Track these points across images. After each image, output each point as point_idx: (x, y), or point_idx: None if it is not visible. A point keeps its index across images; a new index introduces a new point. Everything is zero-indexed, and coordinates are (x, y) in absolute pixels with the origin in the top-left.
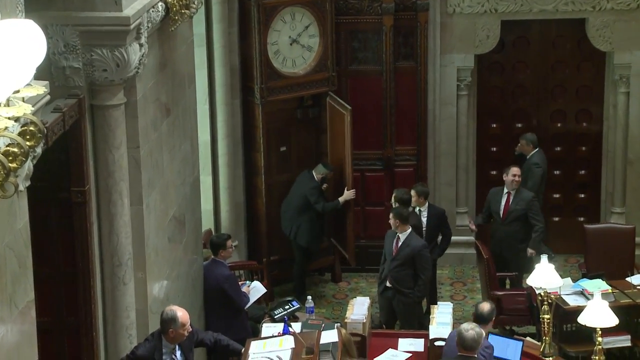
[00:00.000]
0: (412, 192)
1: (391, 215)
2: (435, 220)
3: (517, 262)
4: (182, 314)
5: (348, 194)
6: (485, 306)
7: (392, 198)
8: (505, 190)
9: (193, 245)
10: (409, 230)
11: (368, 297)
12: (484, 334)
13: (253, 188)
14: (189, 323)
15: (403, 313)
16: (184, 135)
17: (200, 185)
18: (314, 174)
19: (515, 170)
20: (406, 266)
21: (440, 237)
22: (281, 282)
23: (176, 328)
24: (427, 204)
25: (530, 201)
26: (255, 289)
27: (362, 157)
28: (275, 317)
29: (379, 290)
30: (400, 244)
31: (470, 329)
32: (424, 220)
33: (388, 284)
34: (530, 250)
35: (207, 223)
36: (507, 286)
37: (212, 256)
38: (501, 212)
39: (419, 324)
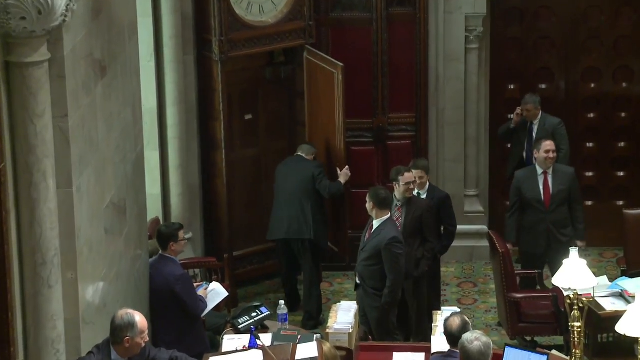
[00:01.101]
0: (414, 171)
1: (367, 196)
2: (437, 207)
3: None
4: (140, 318)
5: (345, 173)
6: (455, 322)
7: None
8: (540, 171)
9: (136, 238)
10: (387, 217)
11: (355, 302)
12: (492, 344)
13: (211, 166)
14: (147, 331)
15: (371, 319)
16: (124, 101)
17: (144, 163)
18: (303, 155)
19: (548, 144)
20: (373, 260)
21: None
22: (247, 282)
23: (134, 336)
24: (427, 185)
25: (574, 177)
26: (215, 292)
27: (347, 128)
28: (240, 326)
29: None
30: (372, 232)
31: (474, 339)
32: None
33: (357, 280)
34: (580, 243)
35: (154, 210)
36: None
37: (160, 251)
38: (543, 198)
39: (408, 335)
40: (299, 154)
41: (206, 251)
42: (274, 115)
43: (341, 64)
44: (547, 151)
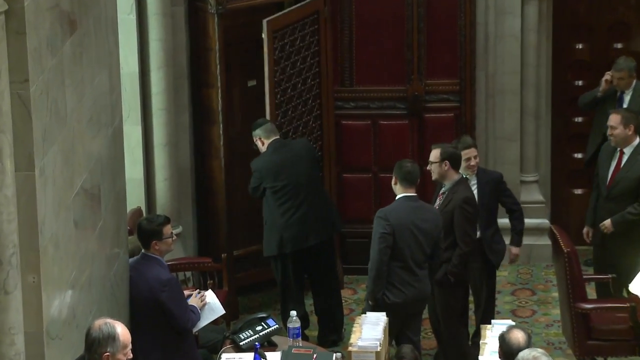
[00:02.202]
0: (465, 151)
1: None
2: (489, 191)
3: (625, 258)
4: (122, 330)
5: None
6: (518, 337)
7: (433, 156)
8: (619, 148)
9: (113, 233)
10: (410, 193)
11: (384, 314)
12: None
13: (206, 144)
14: (130, 346)
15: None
16: (99, 63)
17: (123, 140)
18: (279, 138)
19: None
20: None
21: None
22: (250, 289)
23: (115, 351)
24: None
25: None
26: (208, 308)
27: (375, 97)
28: (242, 343)
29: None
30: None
31: (532, 358)
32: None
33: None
34: (606, 224)
35: (135, 199)
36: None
37: (143, 250)
38: (607, 180)
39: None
40: (276, 138)
41: (199, 250)
42: None
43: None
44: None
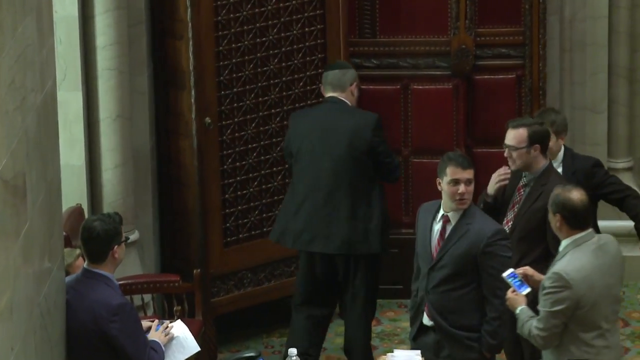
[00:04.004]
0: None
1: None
2: (584, 181)
3: None
4: None
5: None
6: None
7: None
8: None
9: (44, 241)
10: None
11: (418, 352)
12: None
13: (173, 118)
14: None
15: None
16: (23, 6)
17: (58, 112)
18: (341, 97)
19: None
20: (460, 280)
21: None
22: (233, 317)
23: None
24: (562, 149)
25: None
26: (178, 343)
27: (406, 52)
28: None
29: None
30: (449, 231)
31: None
32: None
33: (426, 320)
34: None
35: (75, 194)
36: None
37: (86, 264)
38: None
39: None
40: (332, 95)
41: (163, 264)
42: None
43: None
44: None
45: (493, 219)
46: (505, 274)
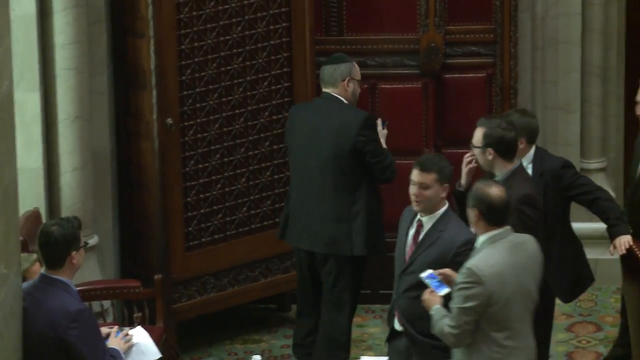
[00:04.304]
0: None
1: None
2: (546, 186)
3: None
4: None
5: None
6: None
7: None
8: None
9: (0, 247)
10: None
11: (386, 358)
12: None
13: (133, 119)
14: None
15: None
16: None
17: (14, 113)
18: (334, 93)
19: None
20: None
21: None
22: (195, 325)
23: None
24: (533, 149)
25: None
26: (138, 349)
27: (373, 50)
28: None
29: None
30: (422, 236)
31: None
32: None
33: (396, 325)
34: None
35: (32, 197)
36: None
37: (43, 269)
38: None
39: None
40: (325, 91)
41: (123, 269)
42: None
43: None
44: None
45: (467, 227)
46: (423, 275)
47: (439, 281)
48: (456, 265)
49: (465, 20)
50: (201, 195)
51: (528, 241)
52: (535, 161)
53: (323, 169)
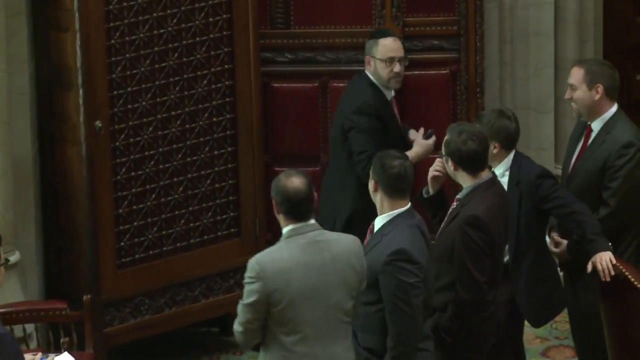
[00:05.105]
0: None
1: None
2: (522, 196)
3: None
4: None
5: (424, 144)
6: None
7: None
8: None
9: None
10: (402, 209)
11: None
12: None
13: (58, 122)
14: None
15: None
16: None
17: None
18: (366, 71)
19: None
20: (371, 296)
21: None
22: (130, 351)
23: None
24: (511, 155)
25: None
26: None
27: (324, 45)
28: None
29: None
30: (370, 240)
31: None
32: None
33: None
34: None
35: None
36: None
37: None
38: (569, 169)
39: None
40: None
41: (48, 289)
42: None
43: None
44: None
45: (411, 235)
46: None
47: None
48: (383, 275)
49: (425, 11)
50: (134, 207)
51: (334, 241)
52: (512, 168)
53: (330, 150)
